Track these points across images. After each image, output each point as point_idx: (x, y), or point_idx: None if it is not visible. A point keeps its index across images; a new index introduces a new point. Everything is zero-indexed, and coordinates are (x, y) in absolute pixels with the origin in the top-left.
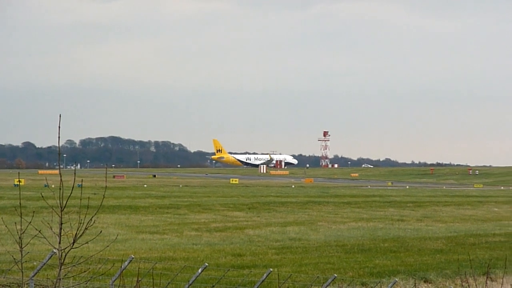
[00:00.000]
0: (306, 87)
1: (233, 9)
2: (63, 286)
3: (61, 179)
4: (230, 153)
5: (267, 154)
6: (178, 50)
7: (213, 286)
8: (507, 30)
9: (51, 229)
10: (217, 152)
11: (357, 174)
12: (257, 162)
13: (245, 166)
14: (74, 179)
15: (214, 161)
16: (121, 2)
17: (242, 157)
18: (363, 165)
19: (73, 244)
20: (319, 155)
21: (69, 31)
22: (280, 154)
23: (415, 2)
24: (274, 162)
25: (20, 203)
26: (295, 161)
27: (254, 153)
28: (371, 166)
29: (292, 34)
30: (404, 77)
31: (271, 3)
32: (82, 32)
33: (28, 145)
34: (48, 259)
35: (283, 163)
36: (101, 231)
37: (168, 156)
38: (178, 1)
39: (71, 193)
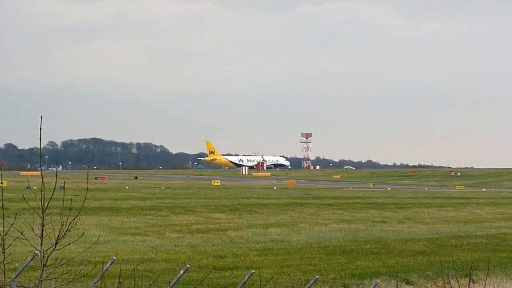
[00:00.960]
0: (288, 89)
1: (218, 10)
2: None
3: (42, 181)
4: (223, 155)
5: (259, 155)
6: (160, 52)
7: (195, 287)
8: (489, 32)
9: (33, 231)
10: (209, 154)
11: (339, 176)
12: (249, 164)
13: (237, 167)
14: (56, 180)
15: (196, 163)
16: (104, 3)
17: (235, 159)
18: (345, 167)
19: (55, 246)
20: (301, 157)
21: (51, 33)
22: (274, 156)
23: (400, 3)
24: (267, 163)
25: (2, 204)
26: (287, 163)
27: (240, 155)
28: (353, 168)
29: (276, 35)
30: (386, 79)
31: (256, 4)
32: (64, 34)
33: (10, 147)
34: (30, 261)
35: (264, 164)
36: (83, 233)
37: (149, 157)
38: (162, 3)
39: (53, 194)
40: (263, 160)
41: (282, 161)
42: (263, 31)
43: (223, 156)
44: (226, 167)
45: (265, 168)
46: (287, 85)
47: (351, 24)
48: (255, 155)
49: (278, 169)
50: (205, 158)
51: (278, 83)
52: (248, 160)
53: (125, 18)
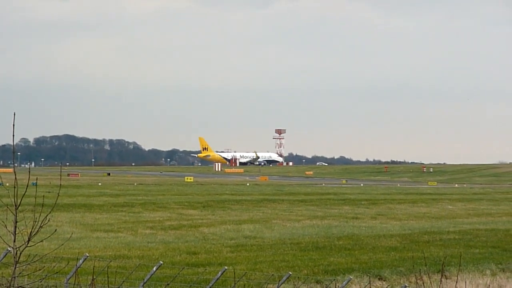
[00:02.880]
0: (261, 85)
1: (194, 7)
2: (17, 284)
3: (15, 178)
4: (217, 151)
5: (253, 152)
6: (134, 48)
7: (168, 284)
8: (462, 28)
9: (6, 228)
10: (203, 150)
11: (311, 172)
12: (242, 160)
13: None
14: (29, 177)
15: (169, 160)
16: (81, 0)
17: (228, 155)
18: (317, 163)
19: (28, 243)
20: (274, 153)
21: (26, 29)
22: (267, 151)
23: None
24: (260, 159)
25: None
26: (280, 159)
27: (231, 151)
28: (326, 164)
29: (251, 31)
30: (359, 75)
31: (231, 1)
32: (39, 30)
33: None
34: (3, 257)
35: (248, 159)
36: (55, 230)
37: (122, 154)
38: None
39: (26, 191)
40: (256, 156)
41: (275, 157)
42: (238, 27)
43: (216, 153)
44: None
45: (259, 164)
46: (260, 81)
47: (325, 20)
48: (228, 151)
49: (271, 165)
50: (199, 155)
51: (251, 80)
52: (241, 157)
53: (100, 14)
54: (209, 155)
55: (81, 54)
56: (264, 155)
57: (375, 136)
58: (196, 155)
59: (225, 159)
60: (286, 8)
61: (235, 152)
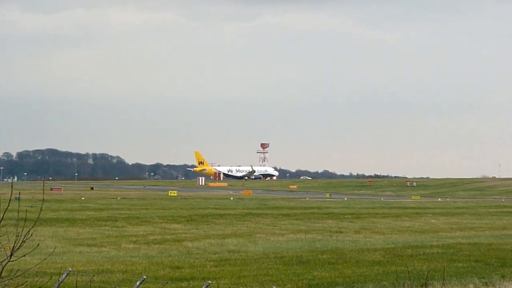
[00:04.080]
0: (244, 98)
1: (179, 21)
2: None
3: None
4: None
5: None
6: (118, 62)
7: None
8: (447, 42)
9: None
10: (199, 164)
11: (295, 186)
12: (239, 174)
13: (226, 178)
14: (11, 191)
15: (152, 174)
16: (65, 14)
17: (224, 169)
18: (301, 177)
19: (10, 257)
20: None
21: (8, 42)
22: (263, 166)
23: (360, 14)
24: (256, 173)
25: None
26: (276, 173)
27: (227, 165)
28: (310, 178)
29: (235, 45)
30: (343, 89)
31: (216, 15)
32: (22, 44)
33: None
34: None
35: (244, 172)
36: (38, 244)
37: (105, 168)
38: (123, 13)
39: (8, 205)
40: (252, 170)
41: (271, 171)
42: (223, 41)
43: (212, 167)
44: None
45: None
46: (243, 94)
47: (310, 34)
48: (212, 165)
49: (268, 179)
50: (194, 169)
51: (235, 93)
52: (237, 171)
53: (83, 27)
54: (205, 169)
55: (64, 68)
56: (260, 169)
57: (359, 150)
58: (192, 169)
59: (222, 172)
60: (271, 22)
61: (230, 166)
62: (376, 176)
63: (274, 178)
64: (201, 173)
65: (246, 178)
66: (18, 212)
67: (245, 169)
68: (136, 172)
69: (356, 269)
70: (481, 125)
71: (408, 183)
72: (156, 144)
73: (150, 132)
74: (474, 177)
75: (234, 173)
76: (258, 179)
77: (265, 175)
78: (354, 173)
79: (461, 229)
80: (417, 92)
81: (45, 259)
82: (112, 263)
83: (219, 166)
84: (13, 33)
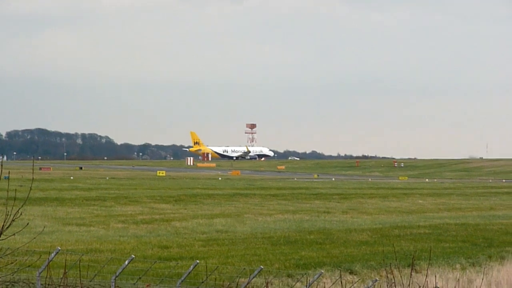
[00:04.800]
0: (232, 79)
1: (168, 2)
2: None
3: None
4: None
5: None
6: (107, 42)
7: (140, 277)
8: (437, 25)
9: None
10: (194, 145)
11: (283, 167)
12: (234, 155)
13: (222, 158)
14: (1, 171)
15: (141, 154)
16: None
17: (219, 150)
18: (289, 158)
19: None
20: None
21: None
22: (258, 146)
23: None
24: (251, 154)
25: None
26: (271, 153)
27: (223, 146)
28: (298, 159)
29: (224, 26)
30: (330, 70)
31: None
32: (12, 24)
33: None
34: None
35: (239, 153)
36: (27, 223)
37: (94, 148)
38: None
39: None
40: (247, 150)
41: (266, 151)
42: (211, 22)
43: (207, 147)
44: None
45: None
46: (232, 75)
47: (299, 15)
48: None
49: (262, 159)
50: (190, 149)
51: (223, 74)
52: (232, 151)
53: (73, 8)
54: (200, 149)
55: (54, 48)
56: (255, 150)
57: (347, 131)
58: (187, 149)
59: (217, 153)
60: (260, 3)
61: (227, 146)
62: (364, 157)
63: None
64: (197, 154)
65: (235, 158)
66: (7, 191)
67: (240, 150)
68: (125, 152)
69: (344, 249)
70: (468, 106)
71: (395, 163)
72: (145, 124)
73: (139, 112)
74: (461, 158)
75: (230, 154)
76: (253, 160)
77: (260, 156)
78: (342, 154)
79: (448, 210)
80: (405, 74)
81: (35, 238)
82: (100, 242)
83: (213, 146)
84: (3, 13)
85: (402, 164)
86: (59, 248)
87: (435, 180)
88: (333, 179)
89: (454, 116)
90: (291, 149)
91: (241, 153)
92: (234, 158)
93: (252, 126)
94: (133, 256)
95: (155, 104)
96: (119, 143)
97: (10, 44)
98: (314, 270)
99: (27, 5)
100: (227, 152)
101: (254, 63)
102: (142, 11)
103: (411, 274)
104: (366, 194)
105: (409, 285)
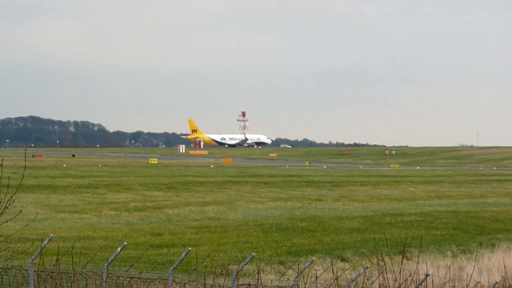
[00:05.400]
0: (225, 67)
1: None
2: None
3: None
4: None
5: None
6: (99, 30)
7: (132, 264)
8: (423, 14)
9: None
10: (192, 132)
11: (275, 154)
12: (231, 142)
13: (219, 146)
14: None
15: (133, 141)
16: None
17: (217, 137)
18: (281, 145)
19: None
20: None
21: None
22: (256, 134)
23: None
24: (249, 141)
25: None
26: (269, 141)
27: (222, 133)
28: (289, 146)
29: (215, 14)
30: (323, 58)
31: None
32: (5, 12)
33: None
34: None
35: (237, 140)
36: (20, 210)
37: (87, 136)
38: None
39: None
40: (245, 138)
41: (264, 139)
42: (203, 9)
43: (205, 135)
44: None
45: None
46: (223, 63)
47: (291, 3)
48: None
49: (260, 147)
50: (188, 136)
51: (215, 62)
52: (230, 139)
53: None
54: (198, 137)
55: (47, 36)
56: (252, 137)
57: (339, 118)
58: (185, 136)
59: (215, 140)
60: None
61: (224, 134)
62: (355, 145)
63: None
64: (195, 141)
65: (238, 145)
66: (0, 179)
67: (238, 137)
68: (117, 139)
69: (335, 236)
70: (459, 94)
71: (387, 151)
72: (137, 112)
73: (131, 100)
74: (452, 145)
75: (228, 141)
76: (251, 147)
77: (258, 143)
78: (334, 142)
79: (439, 197)
80: (397, 62)
81: (27, 225)
82: (93, 229)
83: (211, 134)
84: None
85: (394, 152)
86: (52, 235)
87: (426, 167)
88: (325, 166)
89: (445, 104)
90: (283, 137)
91: (239, 141)
92: (227, 145)
93: (245, 113)
94: (126, 243)
95: (147, 92)
96: (111, 131)
97: (2, 32)
98: (306, 257)
99: None
100: (225, 139)
101: (246, 51)
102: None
103: (402, 261)
104: (358, 182)
105: (400, 272)
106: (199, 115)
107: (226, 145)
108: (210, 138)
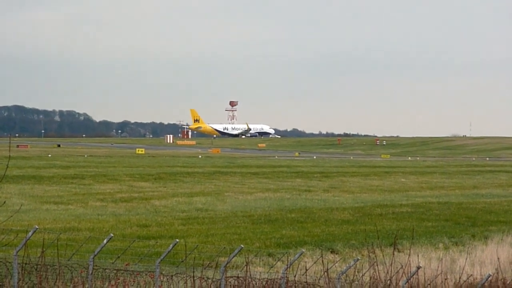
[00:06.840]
0: (212, 56)
1: None
2: None
3: None
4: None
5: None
6: (84, 18)
7: (119, 256)
8: (422, 1)
9: None
10: (194, 122)
11: (264, 145)
12: (234, 132)
13: (222, 136)
14: None
15: (120, 131)
16: None
17: (220, 127)
18: (270, 135)
19: None
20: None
21: None
22: (259, 124)
23: None
24: (251, 131)
25: None
26: (272, 131)
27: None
28: (279, 137)
29: (205, 1)
30: (312, 47)
31: None
32: None
33: None
34: None
35: (240, 130)
36: (4, 201)
37: (73, 125)
38: None
39: None
40: (248, 128)
41: (267, 129)
42: None
43: (208, 125)
44: (214, 136)
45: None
46: (211, 52)
47: None
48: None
49: (262, 137)
50: (190, 126)
51: (203, 50)
52: (233, 129)
53: None
54: (200, 127)
55: (31, 24)
56: (255, 127)
57: (328, 108)
58: (187, 127)
59: (217, 130)
60: None
61: (227, 124)
62: (346, 135)
63: (271, 136)
64: (197, 131)
65: (241, 135)
66: None
67: (241, 127)
68: (104, 129)
69: (325, 228)
70: (452, 84)
71: (378, 141)
72: (124, 101)
73: (117, 89)
74: (444, 136)
75: (230, 131)
76: (254, 137)
77: (261, 133)
78: (324, 132)
79: (431, 188)
80: (387, 51)
81: (11, 216)
82: (79, 221)
83: (213, 124)
84: None
85: (385, 142)
86: (37, 227)
87: (418, 158)
88: (315, 157)
89: (437, 94)
90: (272, 127)
91: (242, 131)
92: (219, 134)
93: (233, 103)
94: (112, 235)
95: (134, 81)
96: (97, 120)
97: None
98: (295, 249)
99: None
100: (227, 129)
101: (234, 39)
102: None
103: (393, 254)
104: (348, 173)
105: (391, 264)
106: (186, 104)
107: (217, 134)
108: (213, 128)
